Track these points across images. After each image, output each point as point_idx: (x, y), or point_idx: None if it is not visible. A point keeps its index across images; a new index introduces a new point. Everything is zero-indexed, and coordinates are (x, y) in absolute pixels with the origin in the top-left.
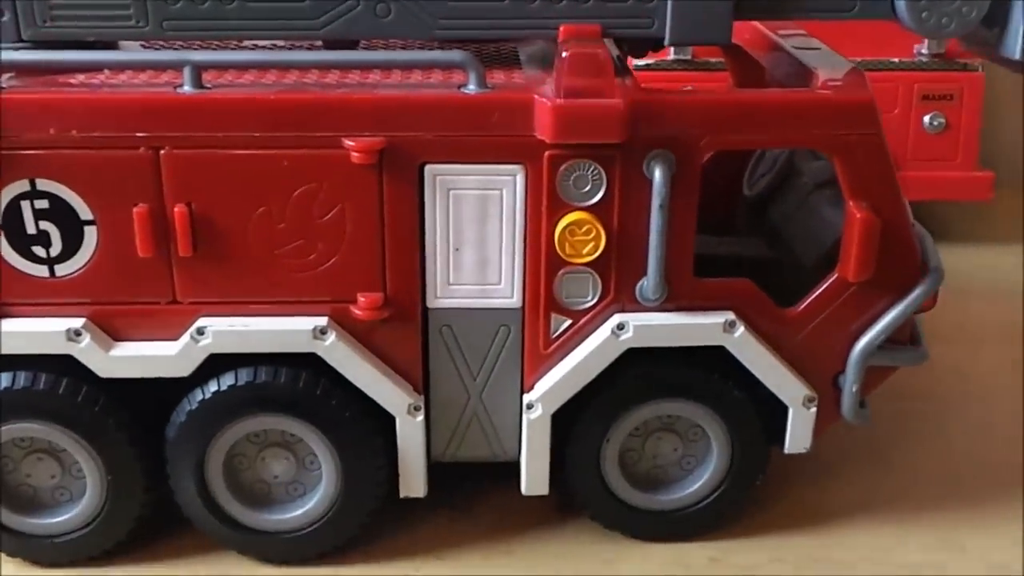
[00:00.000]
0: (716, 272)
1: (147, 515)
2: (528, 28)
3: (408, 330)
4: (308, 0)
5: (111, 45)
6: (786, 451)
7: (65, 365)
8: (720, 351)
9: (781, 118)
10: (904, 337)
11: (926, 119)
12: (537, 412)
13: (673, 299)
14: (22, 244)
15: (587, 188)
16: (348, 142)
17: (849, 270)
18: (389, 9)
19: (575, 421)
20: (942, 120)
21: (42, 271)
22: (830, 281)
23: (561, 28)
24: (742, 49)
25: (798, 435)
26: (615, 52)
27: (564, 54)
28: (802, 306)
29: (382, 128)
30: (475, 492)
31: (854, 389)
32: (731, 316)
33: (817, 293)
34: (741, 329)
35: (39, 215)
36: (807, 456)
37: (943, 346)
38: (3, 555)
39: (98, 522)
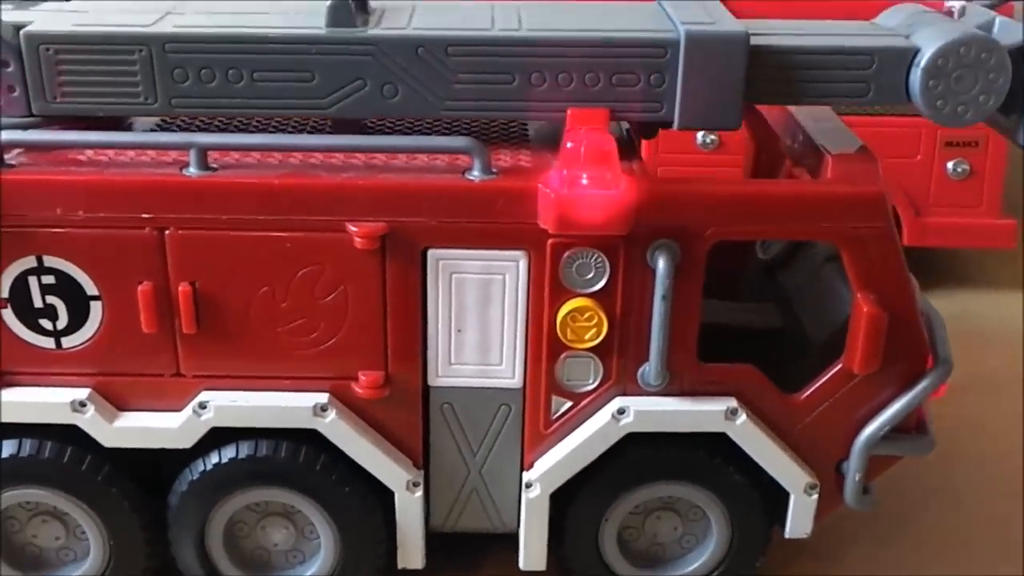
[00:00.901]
0: (725, 341)
1: None
2: (535, 110)
3: (409, 407)
4: (316, 80)
5: (121, 120)
6: (787, 536)
7: (69, 433)
8: (722, 435)
9: (788, 211)
10: (910, 426)
11: (949, 165)
12: (536, 492)
13: (675, 384)
14: (29, 317)
15: (590, 275)
16: (351, 227)
17: (855, 362)
18: (396, 90)
19: (574, 499)
20: (966, 167)
21: (48, 343)
22: (835, 370)
23: (568, 111)
24: (756, 111)
25: (799, 521)
26: (625, 128)
27: (568, 144)
28: (806, 394)
29: (385, 214)
30: (475, 560)
31: (857, 477)
32: (733, 403)
33: (822, 381)
34: (743, 416)
35: (46, 290)
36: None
37: (961, 396)
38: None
39: None
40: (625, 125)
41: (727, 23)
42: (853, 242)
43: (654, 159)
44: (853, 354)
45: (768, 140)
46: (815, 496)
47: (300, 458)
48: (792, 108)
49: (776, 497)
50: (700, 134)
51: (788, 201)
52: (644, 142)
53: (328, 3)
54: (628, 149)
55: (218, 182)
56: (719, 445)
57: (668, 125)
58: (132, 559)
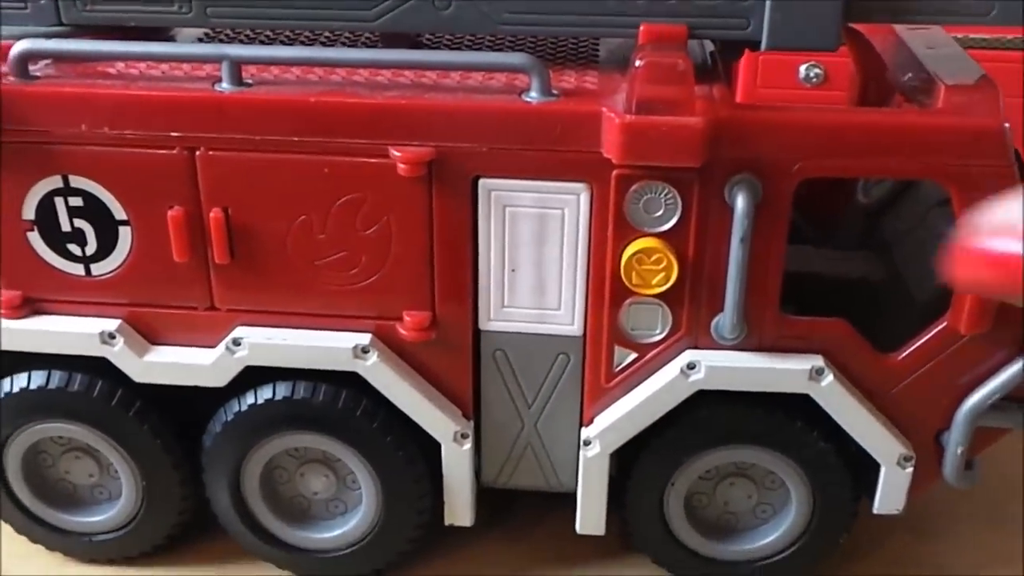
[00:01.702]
0: (817, 292)
1: (185, 520)
2: (604, 26)
3: (458, 352)
4: None
5: (156, 30)
6: (875, 511)
7: (99, 366)
8: (805, 396)
9: (890, 144)
10: (1022, 395)
11: None
12: (595, 450)
13: (754, 338)
14: (57, 241)
15: (659, 213)
16: (394, 152)
17: (961, 321)
18: (448, 1)
19: (637, 460)
20: None
21: (78, 269)
22: (938, 329)
23: (642, 27)
24: (863, 37)
25: (890, 495)
26: (709, 49)
27: (638, 62)
28: (904, 354)
29: (431, 138)
30: (529, 519)
31: (959, 451)
32: (819, 362)
33: (923, 341)
34: (830, 377)
35: (73, 212)
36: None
37: None
38: (3, 556)
39: (135, 524)
40: (710, 46)
41: None
42: (965, 182)
43: (751, 93)
44: (959, 312)
45: (875, 69)
46: (910, 469)
47: (339, 402)
48: (902, 32)
49: (866, 466)
50: (804, 67)
51: (890, 132)
52: (741, 75)
53: None
54: (709, 71)
55: (249, 99)
56: (801, 407)
57: (756, 45)
58: (166, 500)
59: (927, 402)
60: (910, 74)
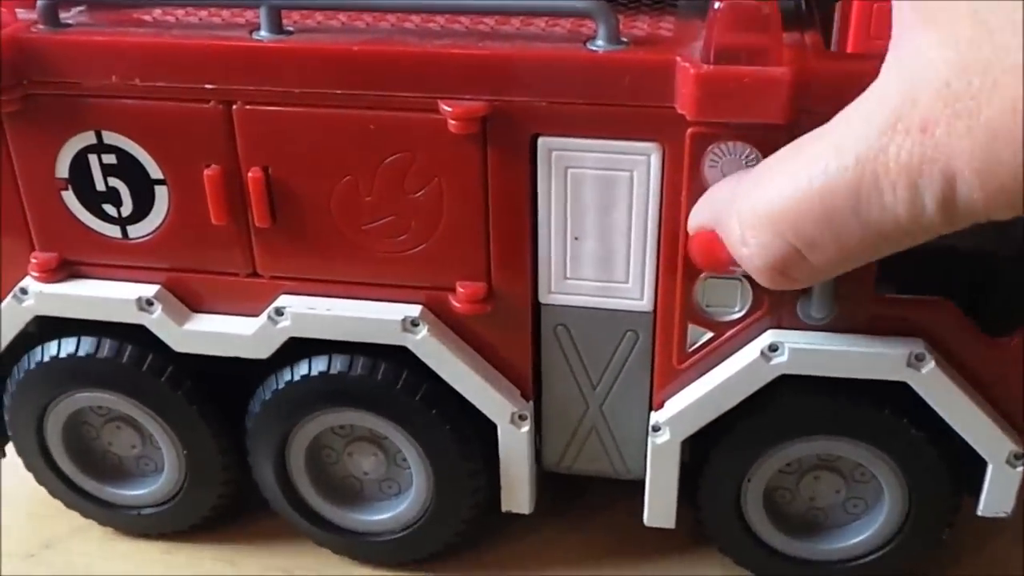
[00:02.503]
0: (922, 264)
1: (231, 493)
2: None
3: (516, 327)
4: None
5: None
6: (980, 512)
7: (138, 333)
8: (901, 383)
9: None
10: None
11: None
12: (664, 436)
13: (845, 319)
14: (92, 201)
15: None
16: (445, 107)
17: None
18: None
19: (713, 445)
20: None
21: (114, 231)
22: None
23: None
24: None
25: (998, 496)
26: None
27: (717, 5)
28: (1018, 338)
29: (485, 91)
30: (596, 505)
31: None
32: (920, 347)
33: None
34: (931, 364)
35: (107, 171)
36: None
37: None
38: (3, 553)
39: (181, 496)
40: None
41: None
42: None
43: (864, 44)
44: None
45: None
46: (1021, 468)
47: (386, 378)
48: None
49: (970, 459)
50: None
51: None
52: (853, 24)
53: None
54: (802, 17)
55: (287, 48)
56: (893, 394)
57: None
58: (209, 472)
59: None
60: None
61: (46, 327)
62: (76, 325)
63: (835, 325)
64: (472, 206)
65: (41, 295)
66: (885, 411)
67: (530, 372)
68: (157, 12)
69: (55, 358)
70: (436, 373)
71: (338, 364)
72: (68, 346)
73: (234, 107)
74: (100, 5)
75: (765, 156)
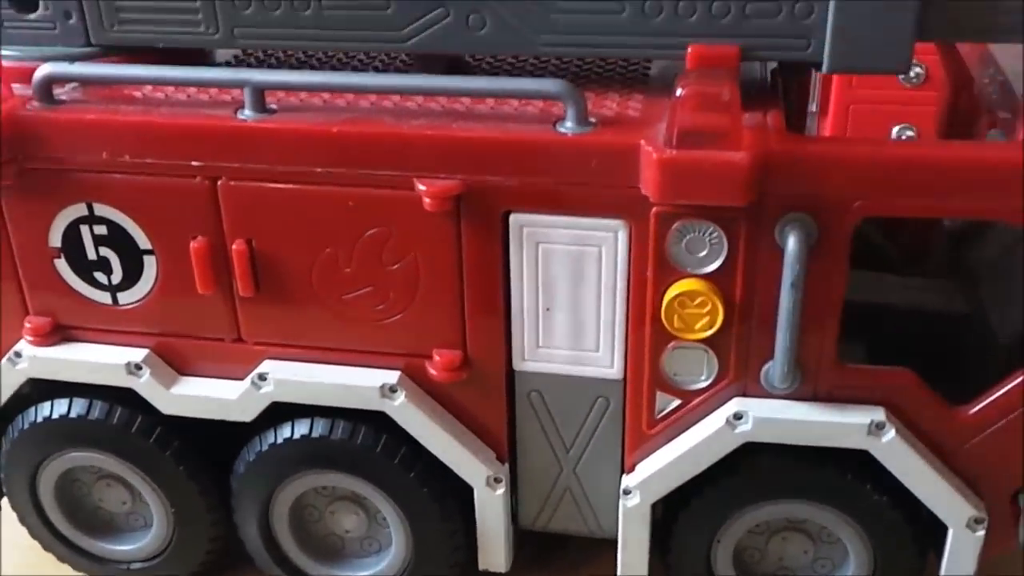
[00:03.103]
0: (893, 324)
1: (219, 549)
2: (651, 47)
3: (491, 393)
4: (392, 8)
5: (190, 51)
6: (942, 575)
7: (127, 395)
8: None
9: (959, 182)
10: None
11: None
12: (635, 500)
13: (808, 387)
14: (83, 269)
15: (703, 253)
16: (420, 186)
17: None
18: (483, 20)
19: (683, 507)
20: None
21: (105, 298)
22: (1015, 383)
23: (690, 48)
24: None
25: (959, 559)
26: (772, 66)
27: (679, 91)
28: (977, 408)
29: (459, 170)
30: (574, 562)
31: None
32: (880, 415)
33: (999, 395)
34: (891, 433)
35: (99, 241)
36: None
37: None
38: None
39: (168, 553)
40: (772, 63)
41: None
42: None
43: (845, 95)
44: None
45: (964, 79)
46: (981, 532)
47: (366, 442)
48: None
49: (933, 519)
50: (896, 128)
51: (958, 168)
52: (835, 77)
53: None
54: (766, 96)
55: (270, 128)
56: (858, 457)
57: (817, 67)
58: (196, 529)
59: (1003, 460)
60: (997, 91)
61: (40, 388)
62: (69, 387)
63: (799, 393)
64: (447, 278)
65: (35, 358)
66: (848, 476)
67: (505, 436)
68: (147, 88)
69: (48, 419)
70: (414, 437)
71: (319, 428)
72: (60, 408)
73: (219, 182)
74: (90, 82)
75: (728, 235)
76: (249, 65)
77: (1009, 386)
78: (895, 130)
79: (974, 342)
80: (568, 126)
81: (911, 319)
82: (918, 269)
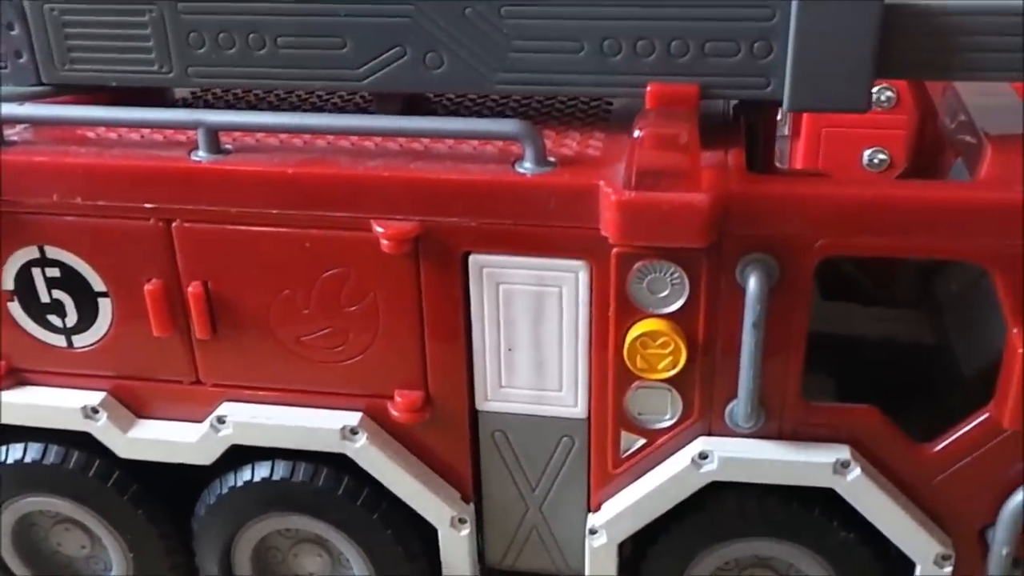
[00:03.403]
0: (863, 354)
1: None
2: (610, 86)
3: (455, 433)
4: (348, 47)
5: (156, 91)
6: None
7: (84, 438)
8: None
9: (923, 222)
10: None
11: None
12: (601, 539)
13: (773, 425)
14: (37, 312)
15: (665, 293)
16: (377, 227)
17: (1005, 414)
18: (441, 59)
19: (651, 544)
20: None
21: (59, 341)
22: (980, 420)
23: (649, 88)
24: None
25: None
26: (732, 103)
27: (637, 132)
28: (942, 445)
29: (417, 211)
30: None
31: (1004, 551)
32: (846, 454)
33: (963, 432)
34: (857, 471)
35: (51, 283)
36: None
37: None
38: None
39: None
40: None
41: None
42: (1008, 265)
43: (817, 119)
44: (1003, 404)
45: (929, 109)
46: (948, 568)
47: (328, 484)
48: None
49: (901, 555)
50: (867, 152)
51: (921, 208)
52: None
53: None
54: (727, 134)
55: (224, 170)
56: (824, 494)
57: (777, 105)
58: (156, 573)
59: (968, 496)
60: (959, 123)
61: None
62: (23, 430)
63: (764, 432)
64: (407, 319)
65: None
66: (815, 513)
67: (470, 475)
68: (101, 128)
69: (2, 464)
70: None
71: (280, 470)
72: (15, 452)
73: (174, 224)
74: (39, 122)
75: (690, 275)
76: (205, 102)
77: (975, 422)
78: (867, 154)
79: (941, 374)
80: (527, 166)
81: (880, 351)
82: (887, 298)
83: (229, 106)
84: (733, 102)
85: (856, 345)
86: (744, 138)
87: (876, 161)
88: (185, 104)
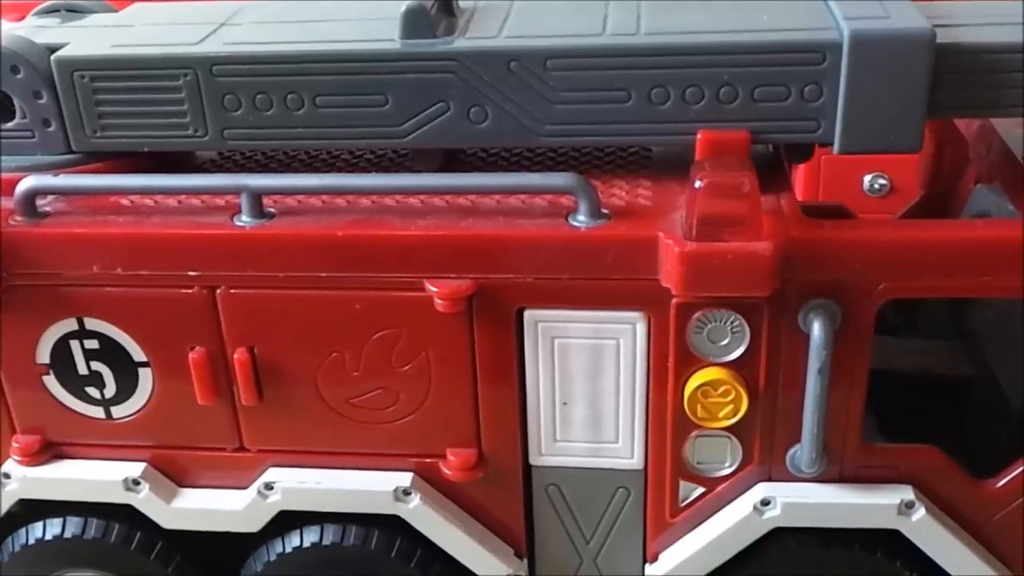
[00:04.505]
0: (897, 388)
1: None
2: (658, 134)
3: (508, 489)
4: (390, 103)
5: (179, 154)
6: None
7: (125, 508)
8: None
9: (983, 262)
10: None
11: None
12: None
13: (834, 469)
14: (74, 385)
15: (725, 341)
16: (431, 287)
17: None
18: (485, 113)
19: None
20: None
21: (98, 412)
22: None
23: (699, 134)
24: None
25: None
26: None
27: (697, 183)
28: (1003, 481)
29: (471, 270)
30: None
31: None
32: (909, 494)
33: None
34: (921, 511)
35: (90, 355)
36: None
37: None
38: None
39: None
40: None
41: (904, 15)
42: None
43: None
44: None
45: (948, 134)
46: None
47: (380, 547)
48: None
49: None
50: (868, 177)
51: (987, 249)
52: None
53: (402, 10)
54: (775, 177)
55: (272, 234)
56: (886, 536)
57: (827, 146)
58: None
59: None
60: (992, 152)
61: (31, 507)
62: (62, 504)
63: (825, 476)
64: (460, 377)
65: (25, 479)
66: (878, 555)
67: (523, 531)
68: (135, 196)
69: (40, 540)
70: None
71: (330, 535)
72: (54, 528)
73: (218, 291)
74: (72, 193)
75: (750, 323)
76: (235, 163)
77: None
78: (867, 179)
79: (985, 407)
80: (581, 219)
81: (918, 384)
82: (910, 328)
83: (260, 166)
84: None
85: (892, 379)
86: (791, 180)
87: (877, 186)
88: (214, 164)
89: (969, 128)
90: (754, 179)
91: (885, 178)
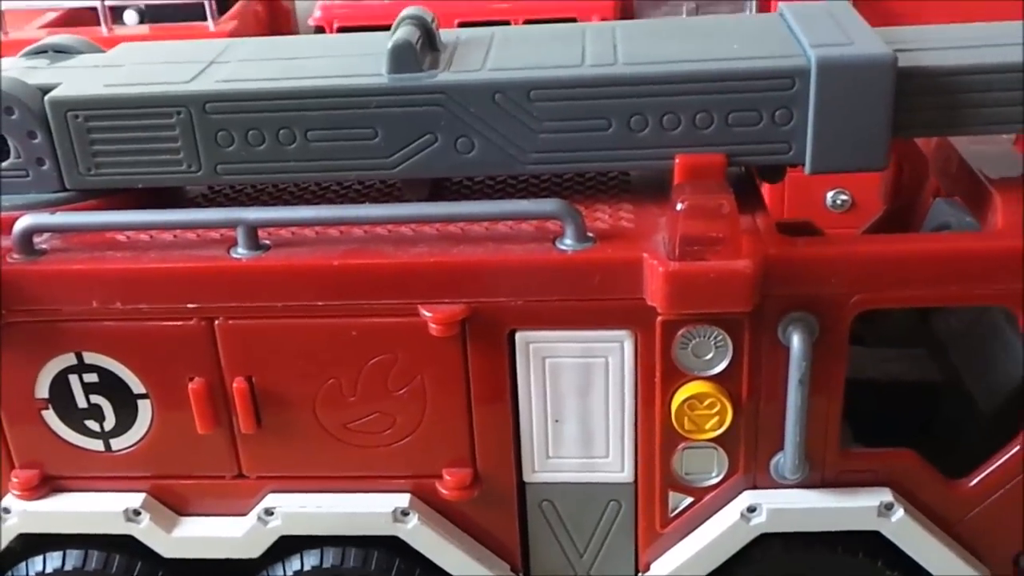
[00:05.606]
0: (869, 396)
1: None
2: (638, 159)
3: (503, 507)
4: (379, 136)
5: (170, 190)
6: None
7: (125, 539)
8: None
9: (952, 273)
10: None
11: None
12: None
13: (816, 475)
14: (74, 418)
15: (709, 356)
16: (425, 312)
17: None
18: (472, 144)
19: None
20: None
21: (97, 445)
22: (1012, 453)
23: (677, 159)
24: None
25: None
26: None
27: (679, 205)
28: (976, 480)
29: (464, 295)
30: None
31: None
32: (888, 496)
33: (995, 466)
34: (900, 512)
35: (89, 389)
36: None
37: None
38: None
39: None
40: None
41: (867, 41)
42: None
43: None
44: None
45: (907, 156)
46: None
47: (380, 567)
48: None
49: None
50: (830, 193)
51: (949, 260)
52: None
53: (389, 46)
54: (749, 198)
55: (268, 266)
56: (866, 538)
57: (798, 167)
58: None
59: (1003, 526)
60: (953, 167)
61: (29, 541)
62: (61, 537)
63: (807, 482)
64: (455, 398)
65: (25, 513)
66: (859, 556)
67: (518, 546)
68: (131, 231)
69: (41, 574)
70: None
71: (330, 557)
72: (54, 561)
73: (216, 323)
74: (73, 231)
75: (733, 337)
76: (225, 196)
77: (1005, 456)
78: (830, 195)
79: (955, 411)
80: (568, 243)
81: (890, 391)
82: (876, 337)
83: (250, 198)
84: None
85: (864, 387)
86: (764, 200)
87: (839, 202)
88: (205, 198)
89: (927, 145)
90: (732, 201)
91: (847, 194)
